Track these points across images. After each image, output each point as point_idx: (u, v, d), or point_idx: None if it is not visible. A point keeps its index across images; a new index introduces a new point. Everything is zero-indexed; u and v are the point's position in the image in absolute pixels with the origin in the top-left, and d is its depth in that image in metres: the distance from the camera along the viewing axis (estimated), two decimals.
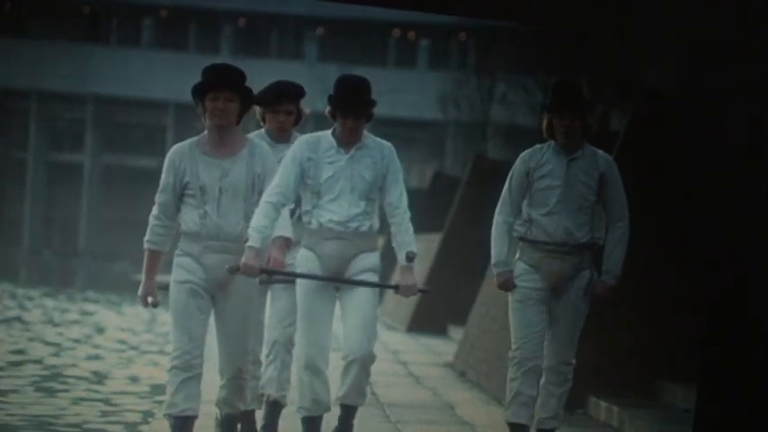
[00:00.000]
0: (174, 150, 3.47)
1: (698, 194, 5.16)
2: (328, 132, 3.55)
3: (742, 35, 3.51)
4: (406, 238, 3.50)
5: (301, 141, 3.55)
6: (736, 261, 3.42)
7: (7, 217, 27.17)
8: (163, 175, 3.45)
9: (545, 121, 3.72)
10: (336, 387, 3.51)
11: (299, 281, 3.53)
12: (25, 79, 27.06)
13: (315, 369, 3.50)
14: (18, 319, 11.67)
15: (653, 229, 5.30)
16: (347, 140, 3.51)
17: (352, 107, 3.48)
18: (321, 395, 3.54)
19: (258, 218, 3.42)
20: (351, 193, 3.48)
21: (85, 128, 27.76)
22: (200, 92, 3.43)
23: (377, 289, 3.51)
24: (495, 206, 3.73)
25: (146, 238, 3.44)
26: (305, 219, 3.54)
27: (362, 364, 3.45)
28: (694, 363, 3.87)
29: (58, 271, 23.16)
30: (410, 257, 3.48)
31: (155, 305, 3.43)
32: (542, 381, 3.72)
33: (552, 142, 3.71)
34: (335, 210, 3.47)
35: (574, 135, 3.67)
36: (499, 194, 3.74)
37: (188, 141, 3.48)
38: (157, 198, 3.46)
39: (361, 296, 3.48)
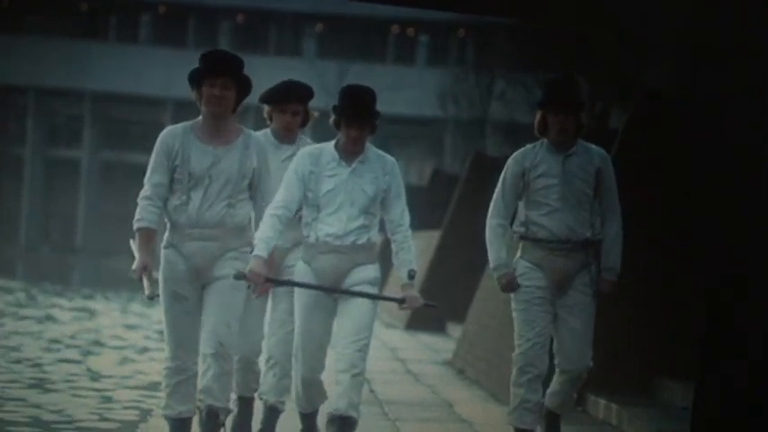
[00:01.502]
0: (167, 132, 3.41)
1: (698, 194, 5.16)
2: (330, 144, 3.54)
3: (742, 35, 3.51)
4: (408, 255, 3.49)
5: (303, 154, 3.53)
6: (736, 261, 3.42)
7: (5, 213, 27.14)
8: (153, 157, 3.39)
9: (537, 118, 3.65)
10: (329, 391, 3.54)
11: (296, 294, 3.53)
12: (23, 75, 27.05)
13: (310, 381, 3.53)
14: (15, 315, 11.64)
15: (653, 228, 5.30)
16: (350, 151, 3.49)
17: (356, 117, 3.46)
18: (316, 399, 3.60)
19: (264, 229, 3.42)
20: (350, 207, 3.46)
21: (83, 124, 27.76)
22: (196, 78, 3.39)
23: (375, 301, 3.50)
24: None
25: (136, 218, 3.39)
26: (304, 232, 3.53)
27: (351, 376, 3.44)
28: (693, 361, 3.88)
29: (56, 267, 23.16)
30: (411, 275, 3.48)
31: (151, 297, 3.38)
32: (556, 375, 3.66)
33: (545, 140, 3.65)
34: (333, 223, 3.46)
35: (568, 132, 3.62)
36: None
37: (181, 125, 3.44)
38: (149, 180, 3.39)
39: (358, 308, 3.46)
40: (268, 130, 3.85)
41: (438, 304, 3.65)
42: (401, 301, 3.51)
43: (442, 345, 8.78)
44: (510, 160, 3.67)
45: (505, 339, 5.57)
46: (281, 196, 3.45)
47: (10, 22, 27.31)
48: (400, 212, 3.49)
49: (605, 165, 3.66)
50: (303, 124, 3.85)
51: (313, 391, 3.55)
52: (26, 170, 27.95)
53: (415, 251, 3.52)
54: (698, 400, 3.48)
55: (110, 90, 27.64)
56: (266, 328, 3.81)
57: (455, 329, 9.17)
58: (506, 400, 4.09)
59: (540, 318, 3.63)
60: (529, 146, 3.68)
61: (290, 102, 3.79)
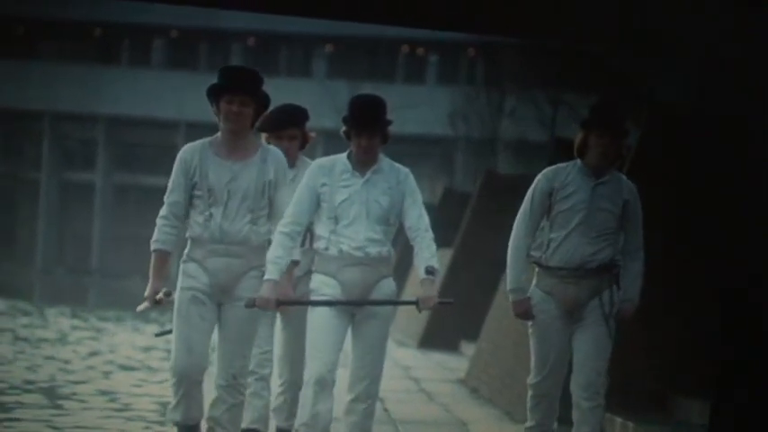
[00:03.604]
0: (186, 149, 3.41)
1: (713, 210, 5.14)
2: (343, 155, 3.53)
3: (753, 48, 3.51)
4: (426, 253, 3.45)
5: (315, 166, 3.52)
6: (753, 280, 3.40)
7: (21, 236, 27.40)
8: (173, 175, 3.39)
9: (579, 138, 3.56)
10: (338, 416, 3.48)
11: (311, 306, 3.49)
12: (38, 100, 27.42)
13: (322, 384, 3.44)
14: (31, 337, 11.71)
15: (666, 244, 5.27)
16: (362, 161, 3.48)
17: (365, 126, 3.45)
18: (322, 412, 3.46)
19: (274, 248, 3.39)
20: (367, 218, 3.44)
21: (97, 147, 28.08)
22: (215, 93, 3.37)
23: (387, 325, 3.48)
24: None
25: (153, 239, 3.38)
26: (320, 245, 3.49)
27: (366, 406, 3.42)
28: (710, 378, 3.84)
29: (71, 289, 23.30)
30: (429, 270, 3.43)
31: (155, 303, 3.35)
32: (574, 399, 3.60)
33: (578, 162, 3.57)
34: (352, 235, 3.44)
35: (608, 157, 3.52)
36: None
37: (200, 141, 3.43)
38: (167, 198, 3.40)
39: (373, 335, 3.44)
40: None
41: (453, 300, 3.59)
42: (416, 303, 3.46)
43: (455, 363, 8.74)
44: (540, 176, 3.59)
45: (519, 358, 5.53)
46: (291, 211, 3.42)
47: (25, 49, 27.72)
48: (417, 217, 3.46)
49: (633, 198, 3.58)
50: (302, 147, 3.85)
51: (320, 398, 3.42)
52: (41, 194, 28.23)
53: (435, 251, 3.45)
54: (714, 418, 3.44)
55: (123, 114, 27.92)
56: (275, 348, 3.77)
57: (468, 348, 9.12)
58: (521, 418, 4.05)
59: (554, 351, 3.57)
60: (561, 165, 3.60)
61: (284, 128, 3.78)
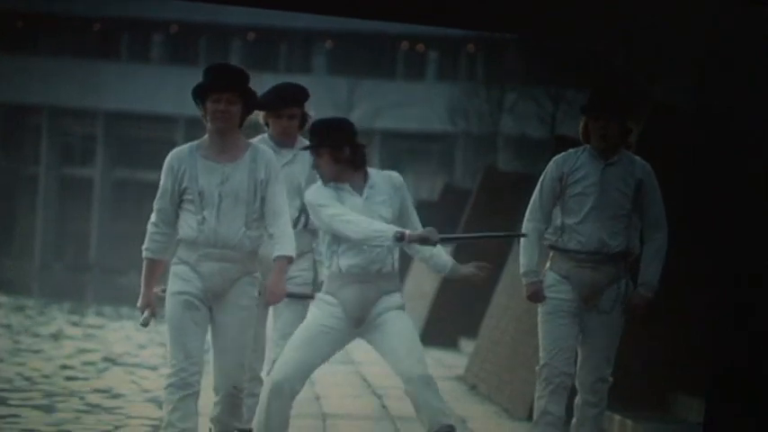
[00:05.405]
0: (173, 154, 3.37)
1: (713, 208, 5.15)
2: None
3: (750, 44, 3.50)
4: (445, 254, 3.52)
5: (321, 189, 3.47)
6: (752, 277, 3.39)
7: (20, 231, 27.44)
8: (161, 181, 3.36)
9: (581, 124, 3.62)
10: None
11: (313, 310, 3.50)
12: (37, 95, 27.41)
13: (277, 392, 3.37)
14: (29, 332, 11.72)
15: (668, 242, 5.26)
16: (349, 180, 3.47)
17: (311, 149, 3.47)
18: (274, 418, 3.37)
19: (369, 221, 3.37)
20: None
21: (96, 142, 28.08)
22: (201, 93, 3.33)
23: (407, 316, 3.49)
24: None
25: (144, 246, 3.37)
26: (324, 260, 3.49)
27: (426, 384, 3.42)
28: (709, 377, 3.84)
29: (70, 284, 23.31)
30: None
31: (152, 315, 3.33)
32: (577, 400, 3.61)
33: (588, 146, 3.60)
34: (356, 254, 3.43)
35: (610, 139, 3.55)
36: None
37: (187, 145, 3.40)
38: (156, 204, 3.37)
39: (401, 324, 3.45)
40: (266, 136, 3.77)
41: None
42: (523, 235, 3.47)
43: (454, 360, 8.78)
44: (551, 163, 3.62)
45: (518, 355, 5.54)
46: (346, 215, 3.40)
47: (24, 44, 27.71)
48: (417, 221, 3.52)
49: (648, 178, 3.58)
50: (301, 127, 3.77)
51: (276, 408, 3.36)
52: (40, 189, 28.23)
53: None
54: (709, 415, 3.44)
55: (122, 109, 27.93)
56: (268, 337, 3.76)
57: (467, 345, 9.19)
58: (519, 415, 4.05)
59: (563, 330, 3.57)
60: (572, 150, 3.62)
61: (284, 106, 3.71)
